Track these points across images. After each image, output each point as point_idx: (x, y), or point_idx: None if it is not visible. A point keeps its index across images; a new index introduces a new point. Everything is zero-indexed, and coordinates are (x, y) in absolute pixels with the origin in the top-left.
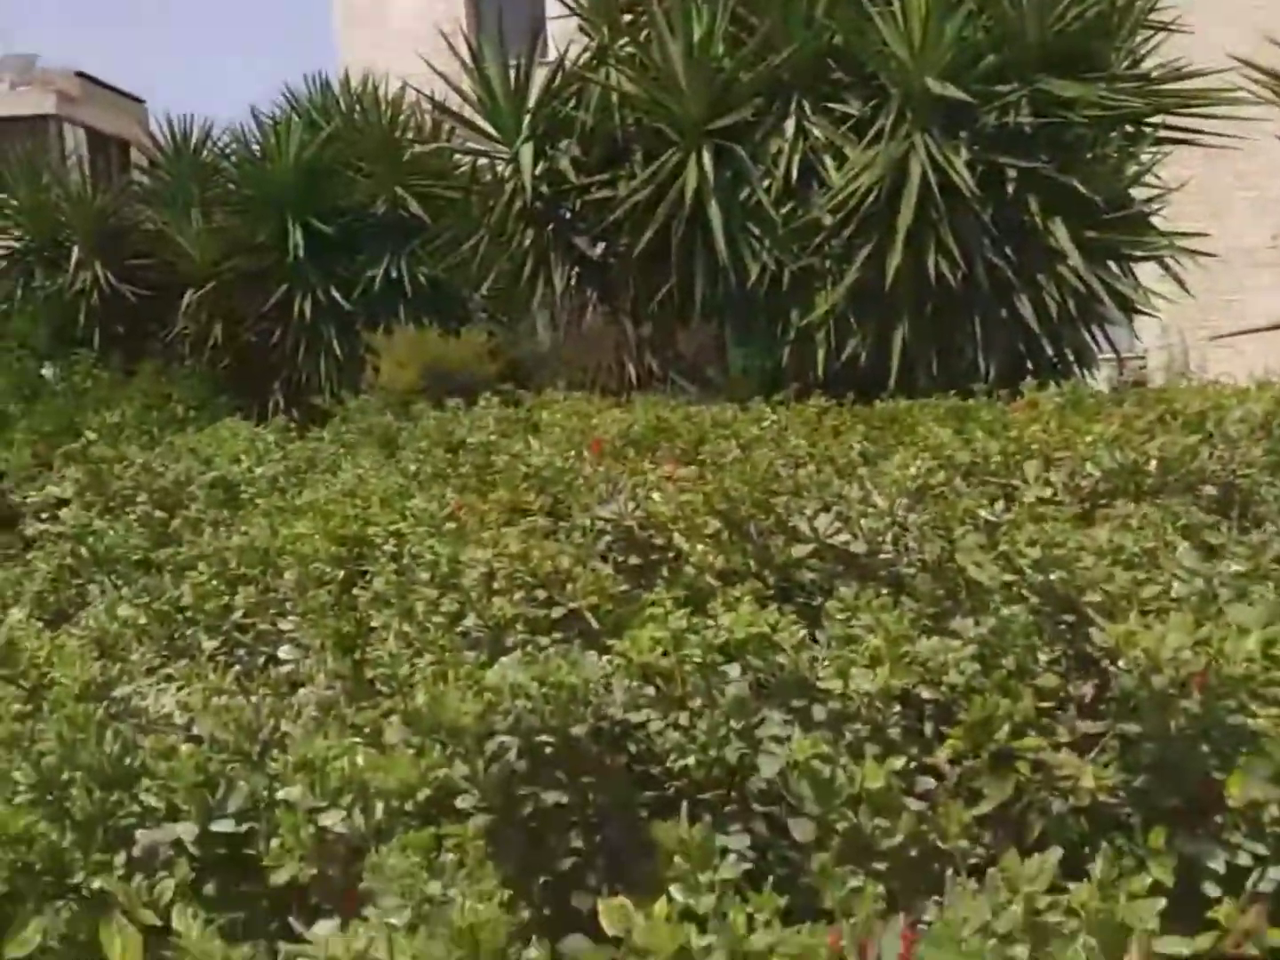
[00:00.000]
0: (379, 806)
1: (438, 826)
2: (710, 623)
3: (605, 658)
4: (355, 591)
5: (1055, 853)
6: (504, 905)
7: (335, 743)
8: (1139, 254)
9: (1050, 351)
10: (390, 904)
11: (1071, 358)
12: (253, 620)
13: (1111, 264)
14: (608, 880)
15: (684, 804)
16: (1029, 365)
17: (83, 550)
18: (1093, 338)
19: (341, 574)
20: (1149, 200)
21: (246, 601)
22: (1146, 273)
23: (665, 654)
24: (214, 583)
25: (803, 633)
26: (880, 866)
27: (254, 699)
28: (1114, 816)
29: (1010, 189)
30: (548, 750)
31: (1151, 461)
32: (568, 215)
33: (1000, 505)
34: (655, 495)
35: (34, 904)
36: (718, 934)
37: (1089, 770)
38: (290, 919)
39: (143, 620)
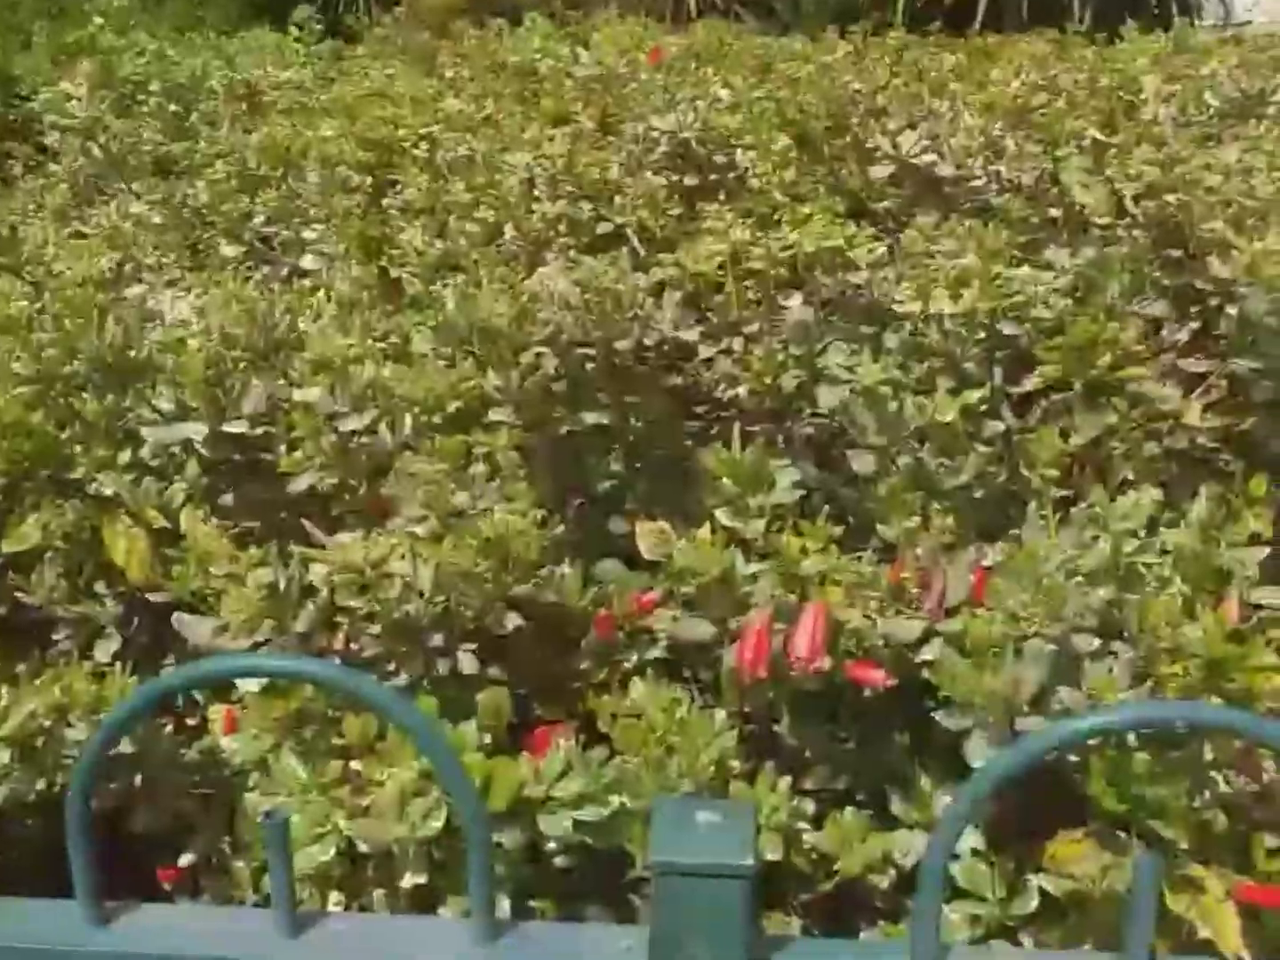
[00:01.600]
0: (406, 419)
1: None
2: (776, 236)
3: (656, 270)
4: (385, 202)
5: (1150, 492)
6: (537, 523)
7: (357, 343)
8: None
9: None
10: (414, 513)
11: (1175, 8)
12: (276, 229)
13: None
14: (648, 507)
15: (736, 425)
16: (1128, 13)
17: (94, 149)
18: None
19: (370, 180)
20: None
21: (268, 206)
22: None
23: (722, 268)
24: (232, 183)
25: (881, 248)
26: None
27: (269, 296)
28: (1212, 463)
29: None
30: (588, 366)
31: None
32: None
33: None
34: (721, 93)
35: (34, 499)
36: (766, 558)
37: (1194, 405)
38: (310, 528)
39: (157, 220)
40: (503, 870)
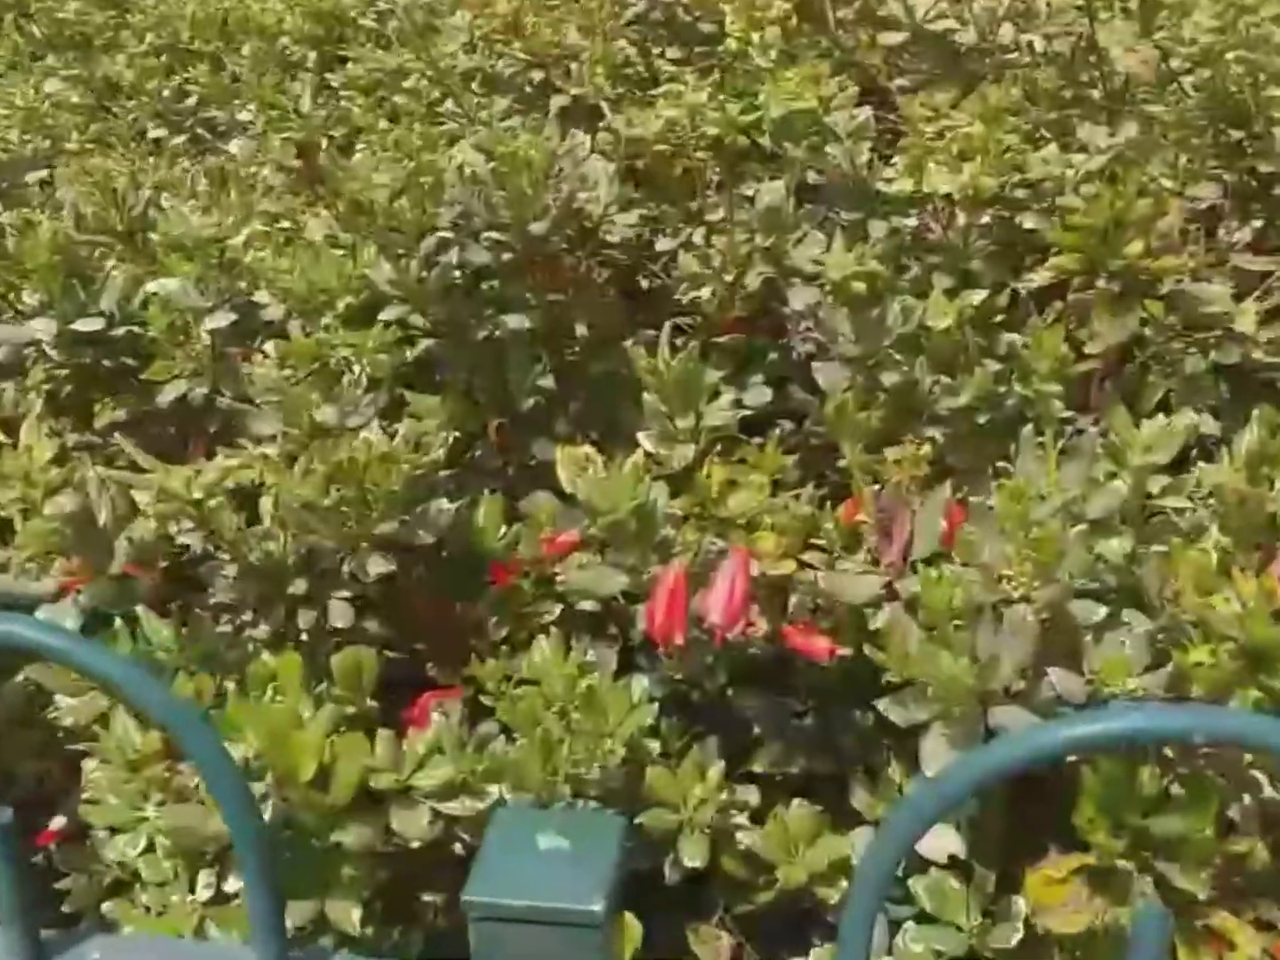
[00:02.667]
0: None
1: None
2: (738, 99)
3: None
4: (330, 77)
5: (1186, 416)
6: (412, 447)
7: (232, 224)
8: None
9: None
10: (265, 430)
11: None
12: (212, 113)
13: None
14: (584, 431)
15: (667, 325)
16: None
17: (29, 25)
18: None
19: (315, 55)
20: None
21: (199, 84)
22: None
23: (673, 143)
24: (162, 58)
25: (866, 113)
26: (935, 433)
27: (136, 167)
28: (1266, 382)
29: None
30: (505, 257)
31: None
32: None
33: None
34: None
35: None
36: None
37: (1249, 311)
38: (129, 446)
39: (75, 99)
40: (352, 875)
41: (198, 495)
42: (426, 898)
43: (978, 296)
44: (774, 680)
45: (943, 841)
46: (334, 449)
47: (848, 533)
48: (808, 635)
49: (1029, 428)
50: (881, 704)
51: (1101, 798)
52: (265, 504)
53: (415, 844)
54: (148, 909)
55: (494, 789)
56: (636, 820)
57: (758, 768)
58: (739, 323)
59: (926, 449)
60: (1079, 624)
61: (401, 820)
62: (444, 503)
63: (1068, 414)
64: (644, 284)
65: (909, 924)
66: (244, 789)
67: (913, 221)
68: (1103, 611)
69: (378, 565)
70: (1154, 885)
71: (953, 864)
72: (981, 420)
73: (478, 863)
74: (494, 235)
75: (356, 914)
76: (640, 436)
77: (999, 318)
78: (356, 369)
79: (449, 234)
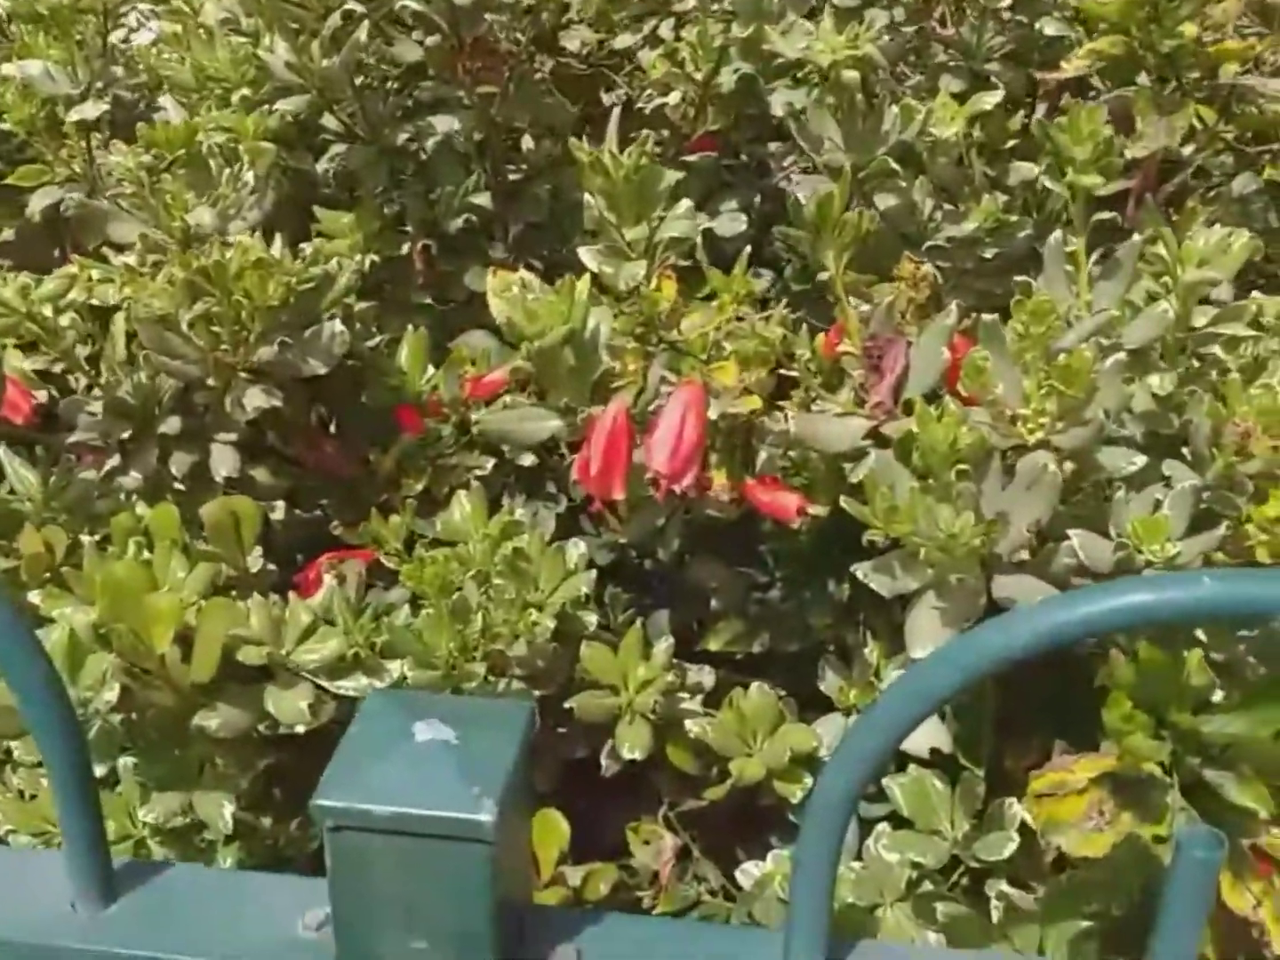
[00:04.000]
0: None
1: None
2: None
3: None
4: None
5: (1242, 234)
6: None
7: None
8: None
9: None
10: (126, 236)
11: None
12: None
13: None
14: (524, 256)
15: (616, 111)
16: None
17: None
18: None
19: None
20: None
21: None
22: None
23: None
24: None
25: None
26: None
27: None
28: None
29: None
30: (429, 41)
31: None
32: None
33: None
34: None
35: None
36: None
37: None
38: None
39: None
40: (222, 765)
41: (40, 309)
42: None
43: (992, 98)
44: (735, 547)
45: (924, 733)
46: (201, 255)
47: (828, 367)
48: (773, 491)
49: (1056, 234)
50: (861, 569)
51: (1139, 689)
52: (118, 322)
53: (299, 729)
54: (21, 793)
55: (395, 665)
56: (567, 705)
57: (713, 646)
58: (711, 138)
59: (928, 268)
60: (1109, 475)
61: (278, 701)
62: (337, 326)
63: (1107, 215)
64: (605, 99)
65: (882, 827)
66: (43, 667)
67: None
68: (1139, 461)
69: (256, 398)
70: (1200, 799)
71: (935, 760)
72: (988, 254)
73: (335, 761)
74: (411, 4)
75: (228, 809)
76: (581, 251)
77: (1011, 144)
78: (238, 164)
79: (359, 6)
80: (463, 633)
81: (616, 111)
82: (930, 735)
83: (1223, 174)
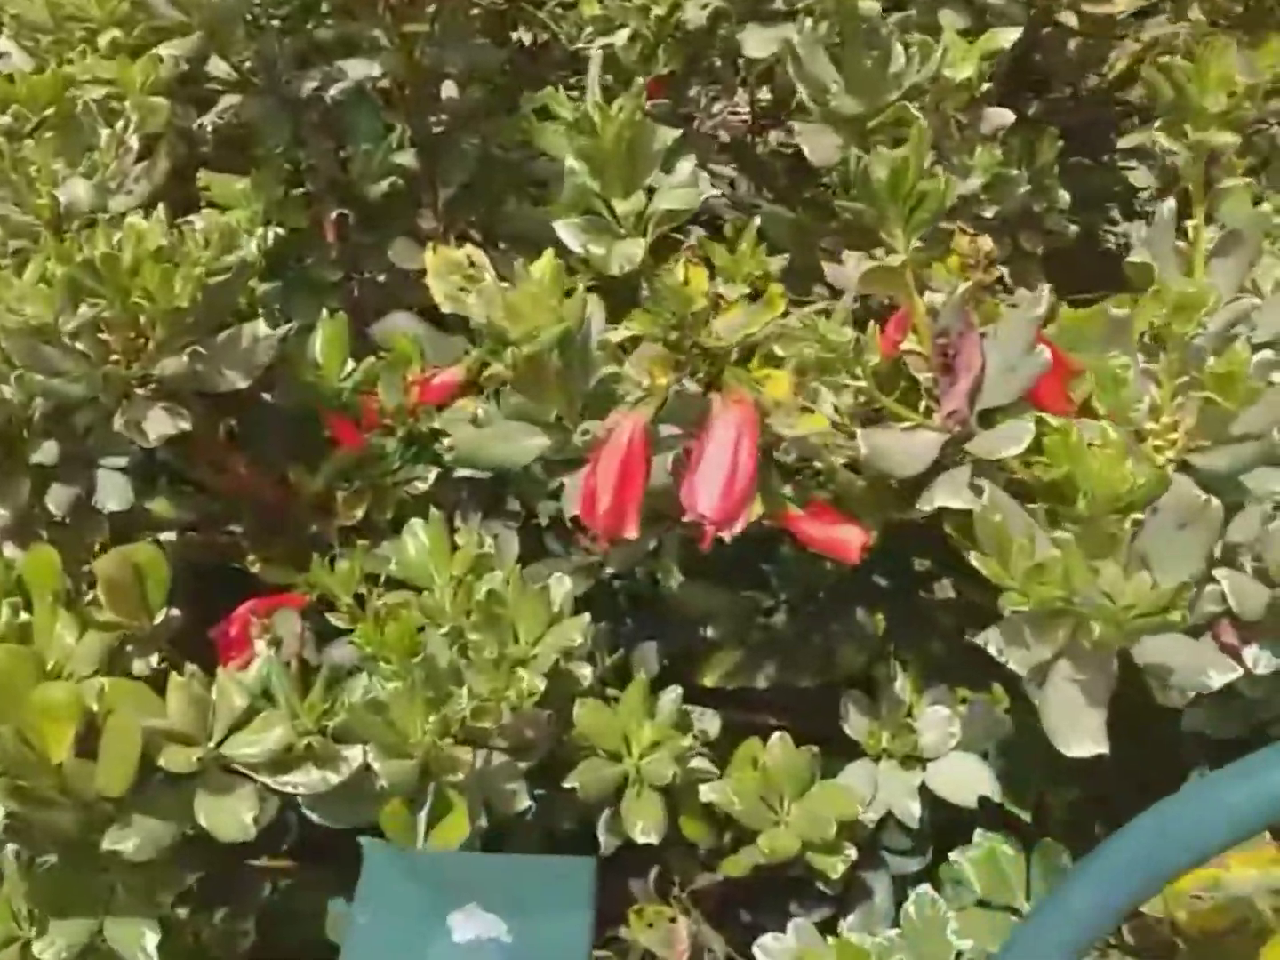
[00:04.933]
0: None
1: None
2: None
3: None
4: None
5: None
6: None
7: None
8: None
9: None
10: None
11: None
12: None
13: None
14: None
15: (596, 52)
16: None
17: None
18: None
19: None
20: None
21: None
22: None
23: None
24: None
25: None
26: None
27: None
28: None
29: None
30: None
31: None
32: None
33: None
34: None
35: None
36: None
37: None
38: None
39: None
40: (142, 886)
41: None
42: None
43: (1009, 35)
44: (732, 564)
45: (970, 779)
46: (82, 244)
47: (889, 366)
48: (828, 525)
49: (1169, 203)
50: (991, 640)
51: None
52: None
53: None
54: None
55: (355, 753)
56: (567, 785)
57: (709, 681)
58: (661, 83)
59: (986, 240)
60: (1254, 504)
61: (211, 811)
62: (261, 327)
63: (1238, 182)
64: (525, 38)
65: (949, 914)
66: None
67: None
68: None
69: (160, 423)
70: None
71: (1006, 823)
72: (988, 214)
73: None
74: None
75: (151, 940)
76: (559, 227)
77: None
78: (122, 124)
79: None
80: (439, 707)
81: (597, 54)
82: (977, 780)
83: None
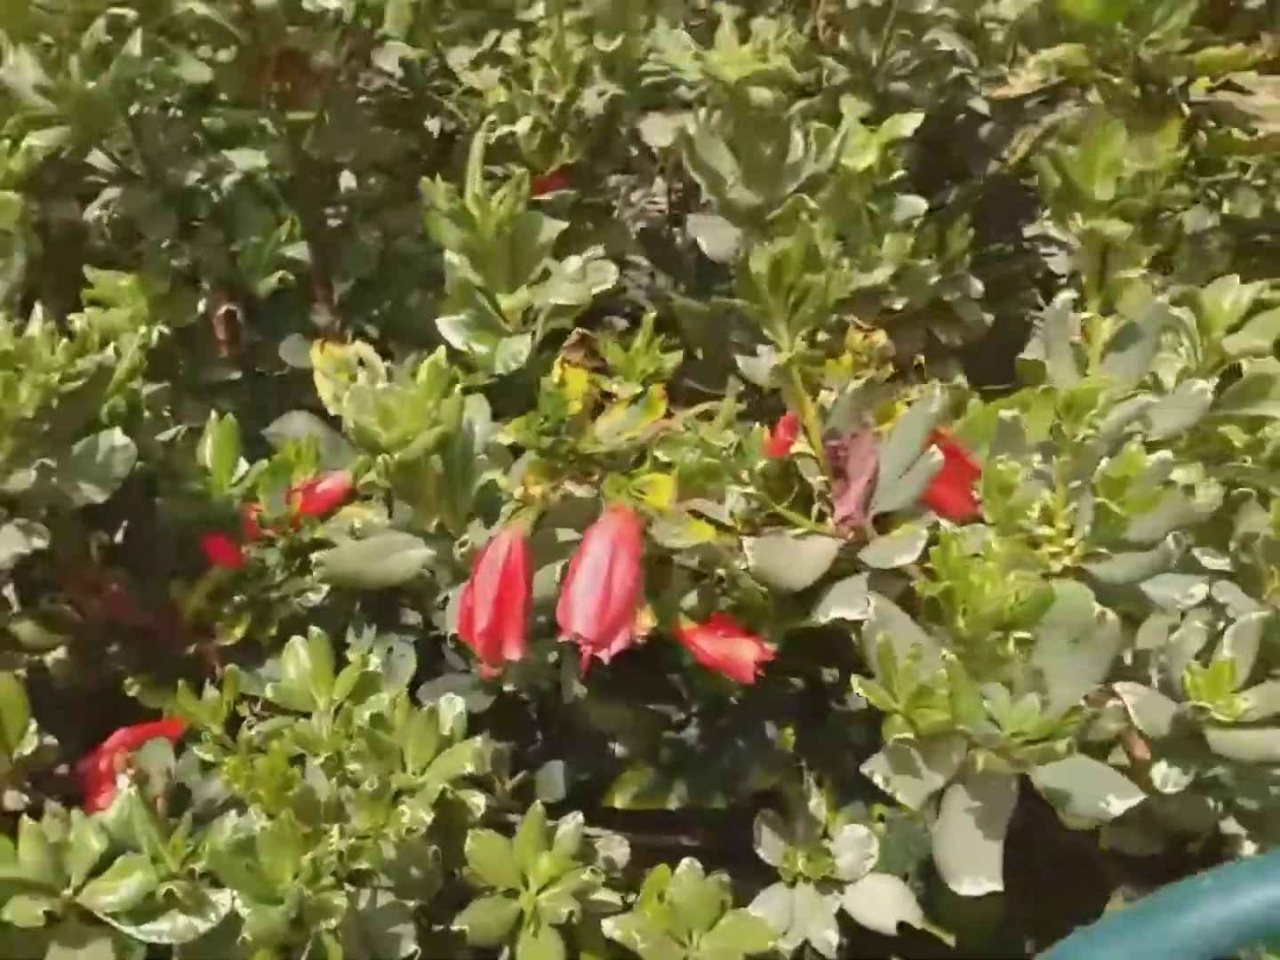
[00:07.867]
0: None
1: None
2: None
3: None
4: None
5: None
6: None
7: None
8: None
9: None
10: None
11: None
12: None
13: None
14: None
15: (478, 141)
16: None
17: None
18: None
19: None
20: None
21: None
22: None
23: None
24: None
25: None
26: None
27: None
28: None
29: None
30: (223, 56)
31: None
32: None
33: None
34: None
35: None
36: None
37: None
38: None
39: None
40: None
41: None
42: None
43: (911, 122)
44: (640, 677)
45: (889, 903)
46: None
47: (778, 469)
48: (722, 642)
49: (1063, 297)
50: (877, 769)
51: None
52: None
53: None
54: None
55: (223, 898)
56: (456, 927)
57: (619, 803)
58: (565, 173)
59: (881, 336)
60: (1158, 614)
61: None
62: (117, 437)
63: (1136, 273)
64: (434, 128)
65: None
66: None
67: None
68: (1199, 592)
69: (12, 542)
70: None
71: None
72: (897, 305)
73: None
74: (199, 7)
75: None
76: (442, 324)
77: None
78: None
79: (127, 10)
80: (314, 853)
81: (478, 142)
82: (897, 904)
83: (1178, 206)
